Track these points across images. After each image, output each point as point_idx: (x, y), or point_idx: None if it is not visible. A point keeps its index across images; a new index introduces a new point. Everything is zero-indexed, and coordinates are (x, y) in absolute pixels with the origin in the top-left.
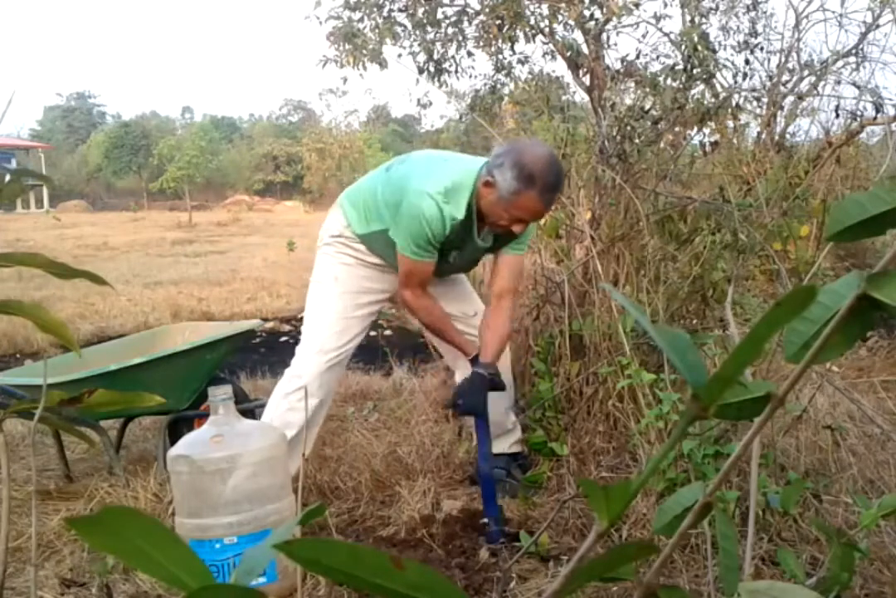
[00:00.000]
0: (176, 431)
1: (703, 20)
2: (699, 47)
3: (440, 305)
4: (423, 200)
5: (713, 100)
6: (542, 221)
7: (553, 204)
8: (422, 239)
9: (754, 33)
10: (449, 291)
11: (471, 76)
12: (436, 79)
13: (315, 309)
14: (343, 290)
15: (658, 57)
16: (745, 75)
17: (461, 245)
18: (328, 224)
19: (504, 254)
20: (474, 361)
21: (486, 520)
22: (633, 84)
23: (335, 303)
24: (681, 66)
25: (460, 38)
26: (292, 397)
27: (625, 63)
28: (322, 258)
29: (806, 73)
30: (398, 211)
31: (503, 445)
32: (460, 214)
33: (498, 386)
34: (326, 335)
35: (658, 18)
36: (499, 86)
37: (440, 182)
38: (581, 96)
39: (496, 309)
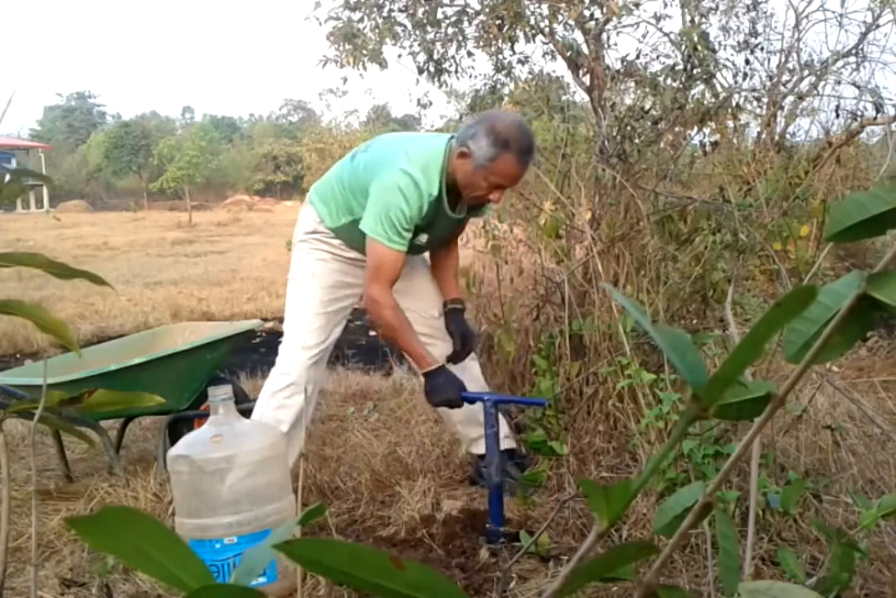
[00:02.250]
0: (176, 431)
1: (703, 20)
2: (699, 47)
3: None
4: (399, 177)
5: (713, 100)
6: (543, 221)
7: (528, 167)
8: (399, 220)
9: (754, 33)
10: (412, 289)
11: (471, 76)
12: (436, 79)
13: (295, 306)
14: (320, 285)
15: (658, 57)
16: (745, 75)
17: (430, 225)
18: (301, 221)
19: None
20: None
21: (489, 525)
22: (633, 84)
23: (313, 299)
24: (681, 66)
25: (460, 38)
26: (280, 395)
27: (625, 63)
28: (298, 255)
29: (806, 73)
30: (369, 196)
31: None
32: (435, 189)
33: (469, 331)
34: (308, 331)
35: (658, 18)
36: (499, 86)
37: (413, 159)
38: (581, 96)
39: (447, 255)
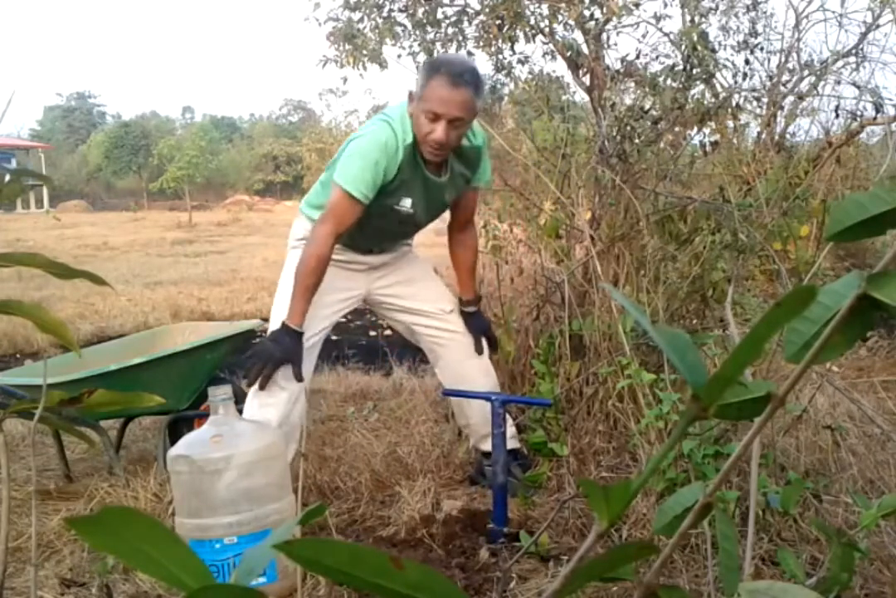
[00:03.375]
0: (176, 431)
1: (703, 20)
2: (699, 47)
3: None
4: (377, 126)
5: (713, 100)
6: (543, 221)
7: (463, 91)
8: (373, 169)
9: (754, 33)
10: (415, 292)
11: None
12: None
13: (278, 308)
14: None
15: (658, 57)
16: (745, 75)
17: (411, 187)
18: (294, 230)
19: (464, 191)
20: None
21: (491, 525)
22: (633, 84)
23: None
24: (681, 67)
25: (460, 38)
26: (262, 394)
27: (625, 63)
28: (290, 261)
29: (806, 73)
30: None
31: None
32: (410, 137)
33: (490, 330)
34: None
35: (658, 18)
36: (499, 86)
37: (389, 115)
38: (581, 96)
39: (464, 243)
